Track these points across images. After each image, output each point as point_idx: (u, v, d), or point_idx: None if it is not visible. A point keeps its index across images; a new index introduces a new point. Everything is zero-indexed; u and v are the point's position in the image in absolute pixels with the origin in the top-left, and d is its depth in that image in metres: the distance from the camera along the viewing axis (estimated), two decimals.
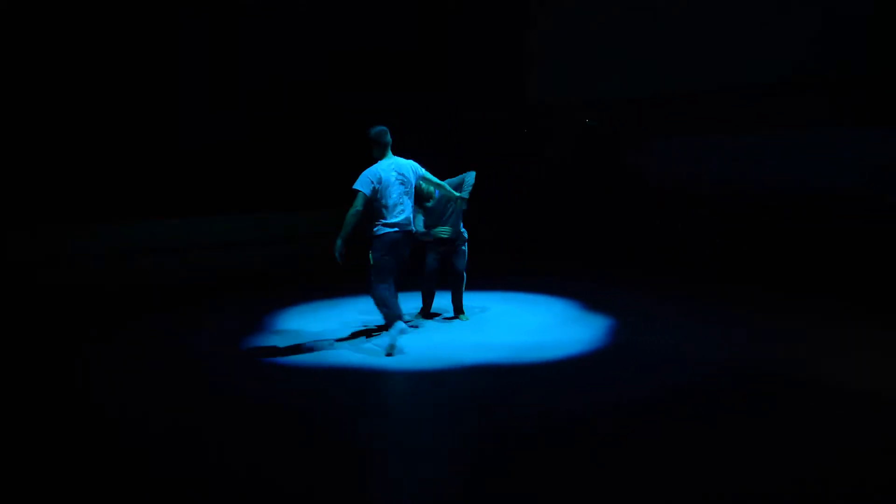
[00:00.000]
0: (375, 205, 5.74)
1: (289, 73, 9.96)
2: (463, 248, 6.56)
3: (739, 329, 6.10)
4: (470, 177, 6.35)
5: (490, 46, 11.54)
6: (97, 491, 3.35)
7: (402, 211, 5.79)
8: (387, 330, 5.67)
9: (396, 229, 5.73)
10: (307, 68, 10.09)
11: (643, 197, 10.50)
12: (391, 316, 5.61)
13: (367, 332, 6.22)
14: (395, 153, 5.97)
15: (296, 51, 9.96)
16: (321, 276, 9.06)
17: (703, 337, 5.88)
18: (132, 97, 8.54)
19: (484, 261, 6.64)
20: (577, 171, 11.20)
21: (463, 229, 6.57)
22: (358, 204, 5.64)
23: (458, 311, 6.65)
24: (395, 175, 5.78)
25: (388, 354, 5.44)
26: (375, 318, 6.57)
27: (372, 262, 5.76)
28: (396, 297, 5.74)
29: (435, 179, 6.07)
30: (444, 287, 6.71)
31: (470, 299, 7.16)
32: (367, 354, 5.51)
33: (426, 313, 6.70)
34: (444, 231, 6.32)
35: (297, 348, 5.76)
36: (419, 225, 6.31)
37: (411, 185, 5.88)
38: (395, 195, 5.74)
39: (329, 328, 6.42)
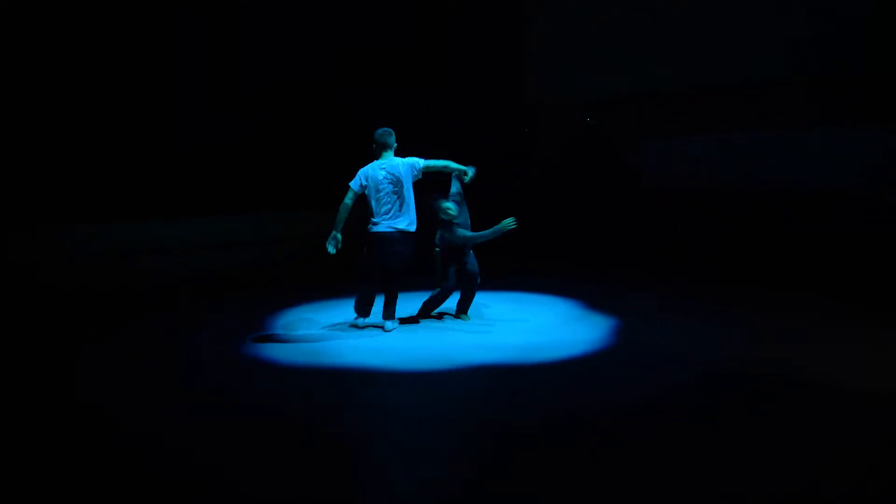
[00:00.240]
0: (368, 203, 6.00)
1: (289, 73, 9.96)
2: (471, 249, 6.57)
3: (739, 329, 6.09)
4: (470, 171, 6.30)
5: (490, 46, 11.53)
6: (97, 491, 3.35)
7: (387, 211, 5.97)
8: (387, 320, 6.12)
9: (380, 228, 5.97)
10: (307, 68, 10.08)
11: (643, 196, 10.50)
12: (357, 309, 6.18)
13: (369, 333, 6.22)
14: (398, 153, 6.06)
15: (296, 51, 9.95)
16: (321, 276, 9.06)
17: (703, 337, 5.87)
18: (132, 97, 8.54)
19: (483, 260, 6.62)
20: (576, 171, 11.20)
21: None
22: (346, 198, 6.02)
23: (464, 311, 6.65)
24: (383, 174, 5.97)
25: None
26: (375, 318, 6.59)
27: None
28: (371, 298, 6.18)
29: (436, 163, 6.08)
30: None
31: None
32: (368, 354, 5.50)
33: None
34: (509, 223, 6.17)
35: (297, 349, 5.76)
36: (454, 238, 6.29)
37: (402, 185, 5.97)
38: (381, 194, 5.96)
39: (329, 328, 6.42)
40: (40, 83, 7.85)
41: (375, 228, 6.01)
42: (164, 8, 8.78)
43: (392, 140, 6.09)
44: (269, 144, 9.79)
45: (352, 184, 6.04)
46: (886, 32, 8.45)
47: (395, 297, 6.27)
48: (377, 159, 6.07)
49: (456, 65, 11.62)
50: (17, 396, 4.77)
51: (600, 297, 7.42)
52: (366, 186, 6.00)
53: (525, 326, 6.38)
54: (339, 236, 6.06)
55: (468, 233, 6.30)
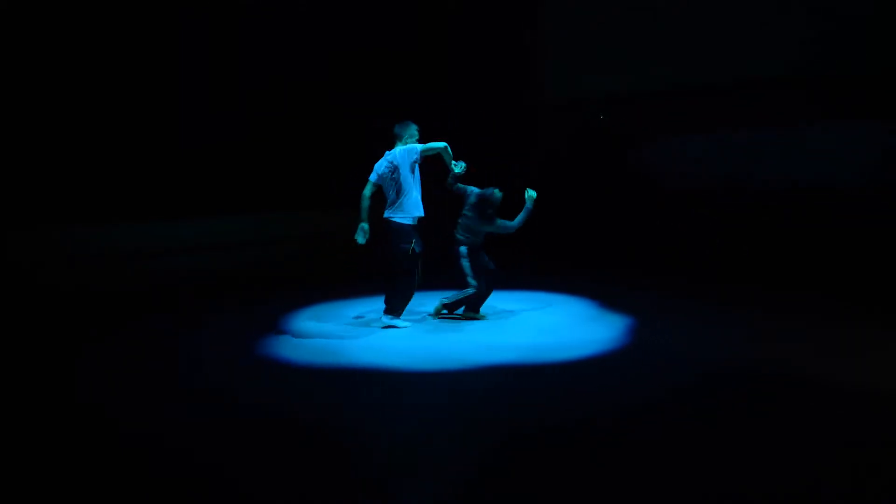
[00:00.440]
0: None
1: (289, 73, 9.95)
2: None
3: (740, 328, 6.10)
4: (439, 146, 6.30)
5: (489, 46, 11.53)
6: (97, 491, 3.35)
7: (391, 201, 6.17)
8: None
9: (385, 216, 6.19)
10: (307, 68, 10.08)
11: (647, 195, 10.50)
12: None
13: (371, 332, 6.22)
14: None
15: (296, 51, 9.95)
16: (321, 277, 9.07)
17: (704, 336, 5.87)
18: (132, 97, 8.54)
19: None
20: (579, 170, 11.19)
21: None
22: (365, 189, 6.23)
23: (476, 310, 6.64)
24: (386, 163, 6.16)
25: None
26: (376, 318, 6.59)
27: None
28: (394, 292, 6.15)
29: (436, 145, 6.11)
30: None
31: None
32: (374, 354, 5.48)
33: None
34: (532, 195, 6.37)
35: (300, 348, 5.76)
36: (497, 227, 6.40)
37: (399, 172, 6.09)
38: (385, 183, 6.17)
39: (330, 328, 6.42)
40: (40, 83, 7.84)
41: (384, 216, 6.24)
42: (164, 8, 8.78)
43: (401, 131, 6.22)
44: (269, 144, 9.79)
45: (371, 175, 6.27)
46: (886, 32, 8.46)
47: (396, 292, 6.24)
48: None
49: (456, 65, 11.62)
50: (18, 396, 4.77)
51: (608, 297, 7.42)
52: (380, 176, 6.20)
53: (536, 327, 6.34)
54: (366, 226, 6.16)
55: (510, 221, 6.36)
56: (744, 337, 5.83)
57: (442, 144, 6.12)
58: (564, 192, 11.21)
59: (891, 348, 5.39)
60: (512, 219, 6.41)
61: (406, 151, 6.10)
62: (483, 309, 6.70)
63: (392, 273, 6.23)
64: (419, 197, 6.19)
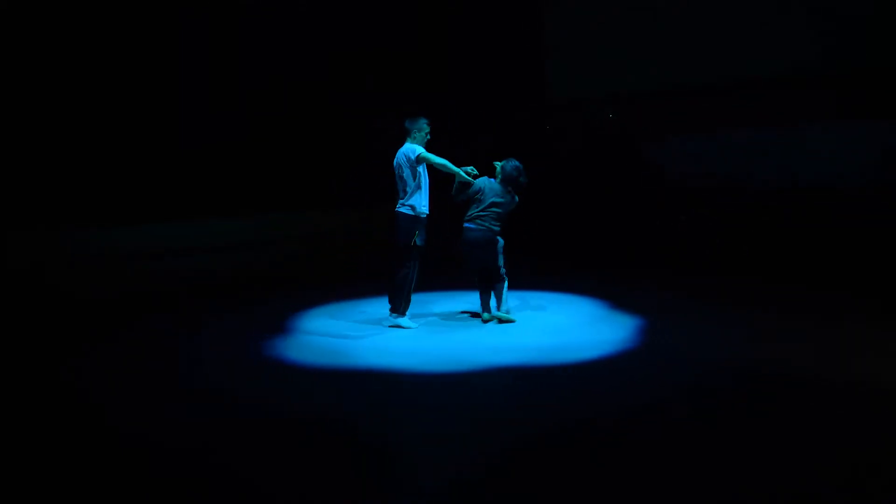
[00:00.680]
0: None
1: (289, 73, 9.95)
2: None
3: (740, 328, 6.09)
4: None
5: (489, 46, 11.52)
6: (97, 491, 3.35)
7: (400, 196, 6.23)
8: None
9: (396, 210, 6.24)
10: (307, 68, 10.07)
11: (648, 195, 10.50)
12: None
13: (372, 333, 6.21)
14: (432, 143, 6.28)
15: (296, 51, 9.94)
16: (321, 277, 9.07)
17: (710, 337, 5.85)
18: (132, 97, 8.53)
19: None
20: (582, 170, 11.18)
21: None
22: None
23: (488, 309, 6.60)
24: (395, 163, 6.26)
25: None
26: (378, 319, 6.59)
27: None
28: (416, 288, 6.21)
29: (434, 158, 6.08)
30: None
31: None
32: (380, 355, 5.47)
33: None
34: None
35: (298, 349, 5.76)
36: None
37: (403, 170, 6.16)
38: (396, 179, 6.25)
39: (331, 329, 6.42)
40: (40, 83, 7.84)
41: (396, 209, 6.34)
42: (164, 8, 8.78)
43: (410, 125, 6.27)
44: (269, 144, 9.79)
45: None
46: (886, 31, 8.46)
47: (405, 288, 6.20)
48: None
49: (456, 65, 11.62)
50: (18, 397, 4.78)
51: (606, 296, 7.40)
52: (394, 168, 6.29)
53: (545, 327, 6.29)
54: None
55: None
56: (744, 336, 5.83)
57: (440, 161, 6.09)
58: (566, 192, 11.22)
59: (891, 348, 5.39)
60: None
61: (405, 154, 6.14)
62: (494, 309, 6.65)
63: (395, 268, 6.23)
64: (424, 194, 6.20)
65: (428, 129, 6.29)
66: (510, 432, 3.94)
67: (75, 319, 6.91)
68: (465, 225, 6.29)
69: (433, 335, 6.09)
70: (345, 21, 10.41)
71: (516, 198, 6.39)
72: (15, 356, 5.78)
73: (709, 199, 9.93)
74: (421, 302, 7.10)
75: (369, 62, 10.61)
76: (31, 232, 7.51)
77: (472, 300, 7.02)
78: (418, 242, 6.14)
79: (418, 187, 6.15)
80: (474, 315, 6.63)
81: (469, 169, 6.26)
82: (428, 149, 6.24)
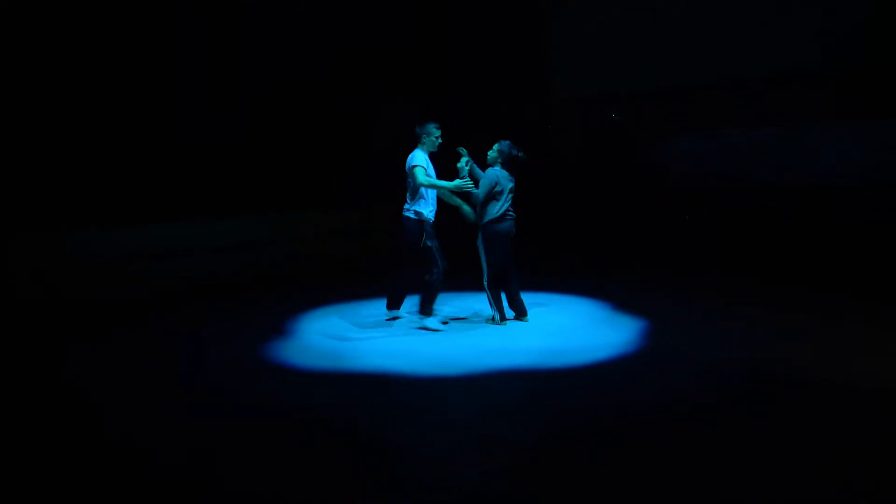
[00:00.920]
0: None
1: (289, 73, 9.95)
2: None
3: (740, 328, 6.10)
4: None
5: (489, 46, 11.53)
6: (97, 491, 3.35)
7: (406, 202, 6.20)
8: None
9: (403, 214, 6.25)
10: (307, 68, 10.07)
11: (648, 195, 10.50)
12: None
13: (373, 334, 6.21)
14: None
15: (296, 51, 9.94)
16: (321, 277, 9.07)
17: (712, 338, 5.86)
18: (132, 97, 8.53)
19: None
20: (583, 170, 11.17)
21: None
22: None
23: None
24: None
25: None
26: (378, 320, 6.59)
27: None
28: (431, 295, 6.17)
29: (418, 179, 5.98)
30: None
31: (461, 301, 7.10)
32: (373, 357, 5.46)
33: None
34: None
35: (299, 349, 5.75)
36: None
37: (407, 175, 6.14)
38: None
39: (331, 330, 6.41)
40: (40, 83, 7.83)
41: None
42: (164, 8, 8.77)
43: (418, 130, 6.21)
44: (269, 144, 9.78)
45: None
46: (886, 31, 8.46)
47: (430, 291, 6.15)
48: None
49: (457, 65, 11.62)
50: (19, 397, 4.78)
51: (606, 295, 7.39)
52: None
53: (548, 329, 6.22)
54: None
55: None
56: (744, 336, 5.84)
57: (425, 181, 5.98)
58: (566, 192, 11.21)
59: (891, 348, 5.39)
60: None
61: (408, 160, 6.12)
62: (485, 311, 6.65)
63: (406, 268, 6.25)
64: (430, 201, 6.14)
65: (437, 134, 6.19)
66: (513, 434, 3.94)
67: (75, 320, 6.91)
68: (497, 224, 6.15)
69: (436, 337, 6.05)
70: (345, 21, 10.41)
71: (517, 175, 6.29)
72: (15, 356, 5.77)
73: (709, 198, 9.94)
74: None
75: (369, 62, 10.61)
76: (32, 232, 7.51)
77: (471, 302, 7.02)
78: (429, 243, 6.08)
79: (423, 195, 6.09)
80: (458, 319, 6.55)
81: (461, 150, 6.20)
82: (439, 153, 6.22)
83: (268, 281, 8.75)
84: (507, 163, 6.20)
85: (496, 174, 6.15)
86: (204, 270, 8.59)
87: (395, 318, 6.59)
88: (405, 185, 6.25)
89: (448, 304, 7.01)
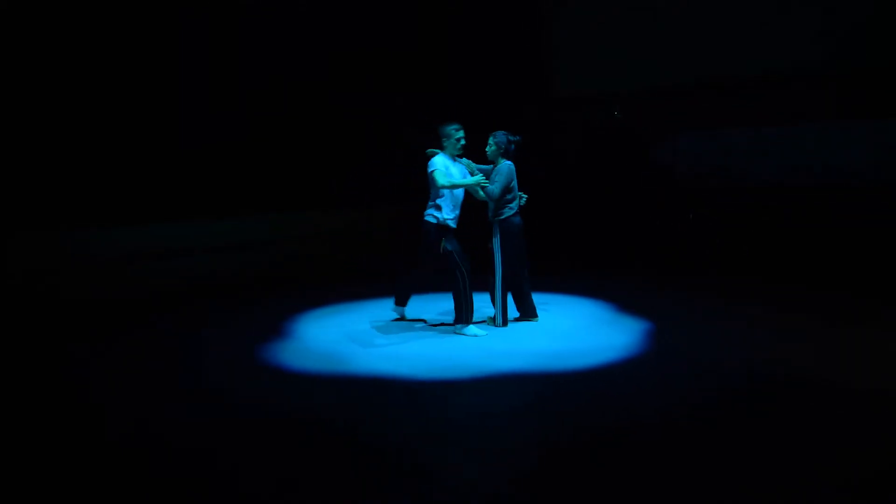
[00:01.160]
0: None
1: (289, 73, 9.95)
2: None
3: (740, 328, 6.10)
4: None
5: (489, 45, 11.53)
6: (98, 491, 3.35)
7: (428, 206, 6.10)
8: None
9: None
10: (307, 68, 10.08)
11: (648, 194, 10.50)
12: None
13: (374, 335, 6.20)
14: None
15: (296, 51, 9.95)
16: (322, 277, 9.07)
17: (704, 336, 5.87)
18: (132, 97, 8.53)
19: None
20: (589, 168, 11.18)
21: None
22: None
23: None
24: None
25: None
26: (379, 321, 6.58)
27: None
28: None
29: (437, 180, 5.86)
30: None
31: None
32: (375, 359, 5.44)
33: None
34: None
35: (298, 351, 5.75)
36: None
37: (429, 181, 6.01)
38: None
39: (331, 331, 6.41)
40: (39, 83, 7.83)
41: None
42: (164, 8, 8.77)
43: (441, 132, 6.10)
44: (269, 144, 9.79)
45: None
46: (887, 30, 8.47)
47: (461, 296, 6.01)
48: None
49: (457, 64, 11.62)
50: (19, 397, 4.78)
51: (605, 296, 7.39)
52: None
53: (552, 331, 6.15)
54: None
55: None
56: (744, 336, 5.84)
57: (443, 182, 5.84)
58: (567, 191, 11.21)
59: (891, 348, 5.39)
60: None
61: (428, 167, 6.00)
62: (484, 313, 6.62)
63: (423, 269, 6.20)
64: (449, 205, 5.99)
65: (459, 136, 6.05)
66: (516, 437, 3.93)
67: (75, 320, 6.91)
68: (514, 218, 6.09)
69: (438, 339, 5.98)
70: (345, 21, 10.41)
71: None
72: (15, 357, 5.77)
73: (709, 198, 9.94)
74: (425, 303, 7.10)
75: (369, 62, 10.61)
76: (32, 232, 7.50)
77: (476, 303, 6.91)
78: (448, 248, 5.96)
79: (440, 196, 5.96)
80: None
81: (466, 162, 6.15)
82: (461, 155, 6.14)
83: (268, 281, 8.75)
84: (507, 153, 6.14)
85: (508, 166, 6.08)
86: (204, 270, 8.59)
87: (401, 318, 6.54)
88: (427, 190, 6.09)
89: (450, 303, 6.98)
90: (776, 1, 9.29)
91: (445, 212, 6.00)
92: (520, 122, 11.39)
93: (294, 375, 5.08)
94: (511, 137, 6.13)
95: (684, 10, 10.01)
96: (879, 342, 5.56)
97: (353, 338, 6.06)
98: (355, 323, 6.59)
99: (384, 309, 6.71)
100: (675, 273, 8.99)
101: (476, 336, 5.95)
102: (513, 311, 6.45)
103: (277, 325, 6.55)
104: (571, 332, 6.12)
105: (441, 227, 6.00)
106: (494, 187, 5.99)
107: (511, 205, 6.09)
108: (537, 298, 6.55)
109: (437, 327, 6.36)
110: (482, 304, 6.48)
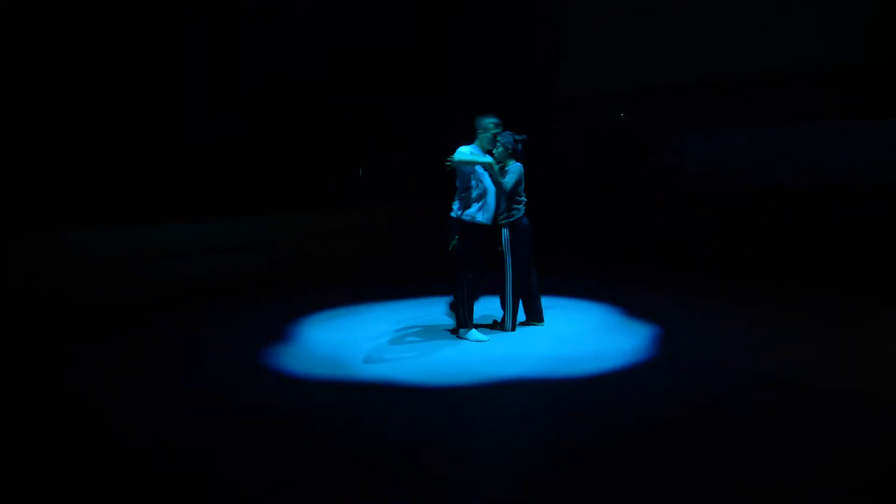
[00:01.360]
0: None
1: (289, 73, 9.95)
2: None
3: (740, 328, 6.09)
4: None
5: (489, 45, 11.53)
6: (98, 491, 3.35)
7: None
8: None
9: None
10: (307, 68, 10.08)
11: (648, 194, 10.50)
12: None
13: (374, 336, 6.20)
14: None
15: (296, 51, 9.95)
16: (322, 277, 9.07)
17: (704, 337, 5.86)
18: (132, 97, 8.53)
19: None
20: (591, 168, 11.18)
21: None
22: None
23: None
24: None
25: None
26: (379, 322, 6.57)
27: None
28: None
29: (460, 156, 5.68)
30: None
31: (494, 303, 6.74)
32: (376, 360, 5.44)
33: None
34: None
35: (299, 351, 5.75)
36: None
37: (456, 177, 5.83)
38: None
39: (332, 332, 6.41)
40: (39, 83, 7.83)
41: None
42: (164, 8, 8.77)
43: (476, 124, 5.95)
44: (269, 144, 9.79)
45: None
46: (887, 30, 8.47)
47: (460, 299, 5.86)
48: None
49: (457, 64, 11.63)
50: (20, 397, 4.77)
51: (611, 300, 7.37)
52: None
53: (559, 335, 6.06)
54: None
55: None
56: (744, 336, 5.83)
57: (463, 158, 5.65)
58: (568, 192, 11.22)
59: (891, 348, 5.39)
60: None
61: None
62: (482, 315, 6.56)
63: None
64: (474, 200, 5.76)
65: (496, 132, 5.88)
66: (519, 440, 3.93)
67: (75, 320, 6.90)
68: (524, 219, 6.03)
69: (442, 343, 5.90)
70: (345, 21, 10.42)
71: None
72: (16, 357, 5.77)
73: (709, 198, 9.95)
74: (428, 306, 7.10)
75: (369, 62, 10.61)
76: (32, 232, 7.50)
77: (482, 306, 6.86)
78: (458, 248, 5.77)
79: (465, 190, 5.77)
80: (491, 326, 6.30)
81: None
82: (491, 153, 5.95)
83: (268, 281, 8.75)
84: (515, 153, 6.06)
85: (519, 168, 6.02)
86: (204, 270, 8.58)
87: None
88: (453, 186, 5.90)
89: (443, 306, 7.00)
90: (776, 1, 9.29)
91: (467, 207, 5.75)
92: (520, 122, 11.42)
93: (294, 376, 5.08)
94: (517, 137, 6.08)
95: (685, 10, 10.02)
96: (879, 342, 5.56)
97: (354, 339, 6.05)
98: (355, 324, 6.59)
99: (384, 310, 6.70)
100: (675, 273, 8.98)
101: (479, 341, 5.83)
102: (519, 315, 6.36)
103: (277, 325, 6.55)
104: (578, 337, 6.02)
105: (458, 221, 5.77)
106: (508, 179, 5.90)
107: (519, 206, 6.03)
108: (542, 302, 6.45)
109: (441, 331, 6.30)
110: (493, 309, 6.41)
